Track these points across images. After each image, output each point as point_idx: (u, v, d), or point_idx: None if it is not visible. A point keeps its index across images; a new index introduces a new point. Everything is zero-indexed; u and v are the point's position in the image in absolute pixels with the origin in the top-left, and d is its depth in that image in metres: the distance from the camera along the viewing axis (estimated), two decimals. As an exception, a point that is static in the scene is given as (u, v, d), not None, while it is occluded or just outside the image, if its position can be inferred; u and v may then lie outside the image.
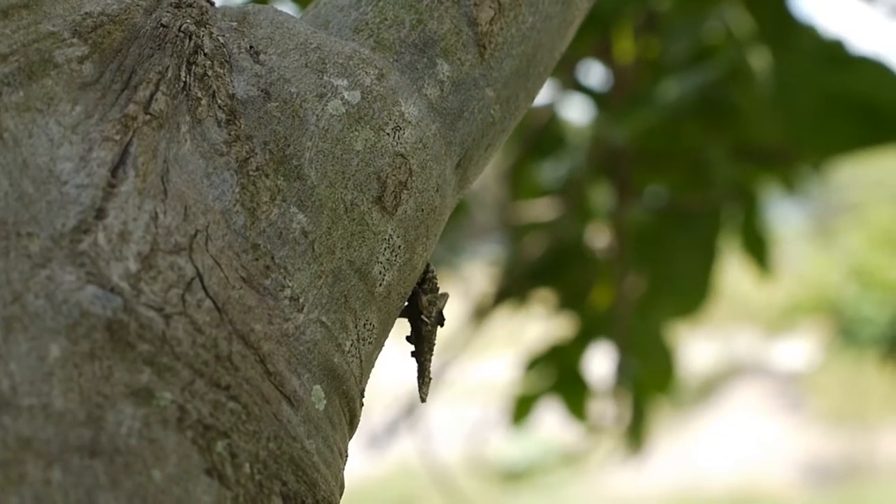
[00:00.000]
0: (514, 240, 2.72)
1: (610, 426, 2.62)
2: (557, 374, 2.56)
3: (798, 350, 9.44)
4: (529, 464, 6.33)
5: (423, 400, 0.70)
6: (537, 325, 2.92)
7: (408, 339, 0.70)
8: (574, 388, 2.57)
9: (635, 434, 2.54)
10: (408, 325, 0.70)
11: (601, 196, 2.54)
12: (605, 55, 2.24)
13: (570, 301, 2.55)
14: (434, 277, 0.69)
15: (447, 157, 0.66)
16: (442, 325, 0.69)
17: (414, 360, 0.70)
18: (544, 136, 2.56)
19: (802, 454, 6.90)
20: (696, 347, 8.66)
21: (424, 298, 0.67)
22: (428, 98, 0.65)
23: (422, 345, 0.69)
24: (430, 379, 0.70)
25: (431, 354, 0.69)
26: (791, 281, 10.14)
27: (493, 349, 5.52)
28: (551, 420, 2.72)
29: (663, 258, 2.27)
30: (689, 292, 2.26)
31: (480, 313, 2.71)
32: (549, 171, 2.68)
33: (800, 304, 10.10)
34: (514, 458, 6.30)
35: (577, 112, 2.85)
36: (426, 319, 0.68)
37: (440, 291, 0.69)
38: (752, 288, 2.64)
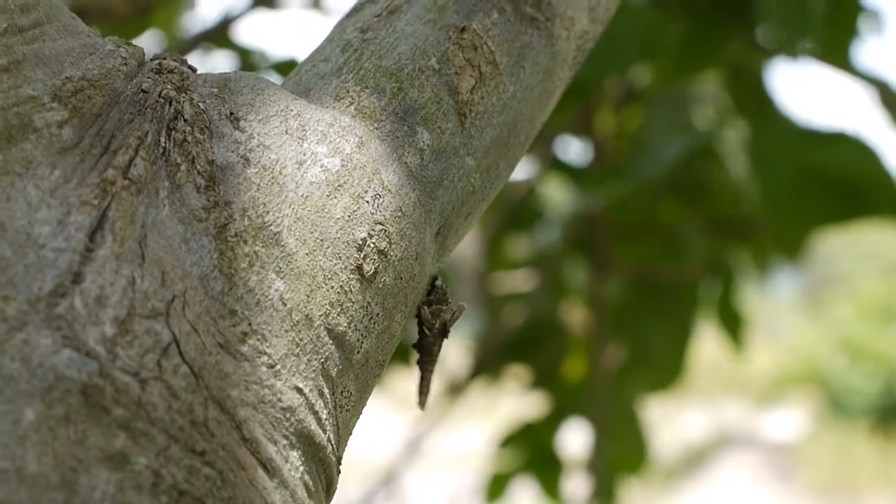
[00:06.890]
0: (491, 312, 2.73)
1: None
2: (530, 453, 2.56)
3: (788, 421, 9.43)
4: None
5: (420, 408, 0.70)
6: (513, 399, 2.92)
7: (414, 346, 0.70)
8: (547, 467, 2.57)
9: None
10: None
11: (577, 271, 2.55)
12: (585, 130, 2.27)
13: (544, 378, 2.55)
14: (441, 289, 0.69)
15: (427, 226, 0.66)
16: (446, 336, 0.69)
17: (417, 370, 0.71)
18: (522, 209, 2.58)
19: (792, 526, 6.86)
20: (686, 417, 8.65)
21: (427, 310, 0.68)
22: (408, 166, 0.66)
23: (424, 355, 0.69)
24: (429, 391, 0.70)
25: (433, 366, 0.70)
26: (781, 351, 10.15)
27: (471, 419, 5.49)
28: (532, 489, 2.71)
29: (639, 333, 2.28)
30: (665, 368, 2.26)
31: (455, 388, 2.71)
32: (526, 245, 2.70)
33: (789, 375, 10.12)
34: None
35: (555, 187, 2.87)
36: (427, 332, 0.68)
37: (453, 304, 0.70)
38: (742, 358, 2.65)
